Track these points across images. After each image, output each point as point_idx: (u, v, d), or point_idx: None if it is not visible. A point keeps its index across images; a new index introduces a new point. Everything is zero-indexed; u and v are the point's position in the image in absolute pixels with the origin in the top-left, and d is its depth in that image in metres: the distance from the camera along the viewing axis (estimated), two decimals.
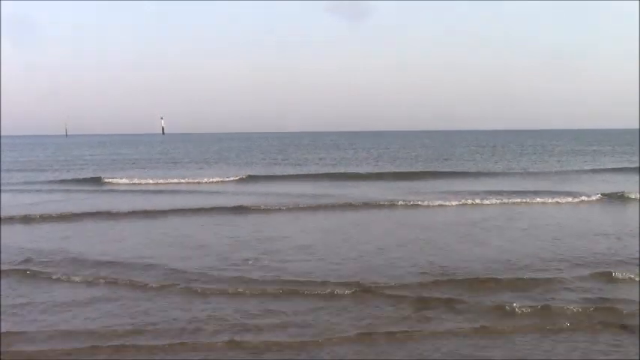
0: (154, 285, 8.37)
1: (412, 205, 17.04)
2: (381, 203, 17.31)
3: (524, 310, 7.14)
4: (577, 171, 29.68)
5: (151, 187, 23.19)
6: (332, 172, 30.20)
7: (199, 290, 8.06)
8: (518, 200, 17.51)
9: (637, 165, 30.59)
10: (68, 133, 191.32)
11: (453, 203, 17.10)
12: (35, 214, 15.06)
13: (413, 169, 30.57)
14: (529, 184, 22.63)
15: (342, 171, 30.52)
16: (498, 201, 17.36)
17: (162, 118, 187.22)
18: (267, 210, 16.32)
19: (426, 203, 17.13)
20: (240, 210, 16.27)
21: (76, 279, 8.76)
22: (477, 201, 17.38)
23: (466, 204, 17.05)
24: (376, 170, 31.13)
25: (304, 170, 32.22)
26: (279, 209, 16.35)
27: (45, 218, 14.78)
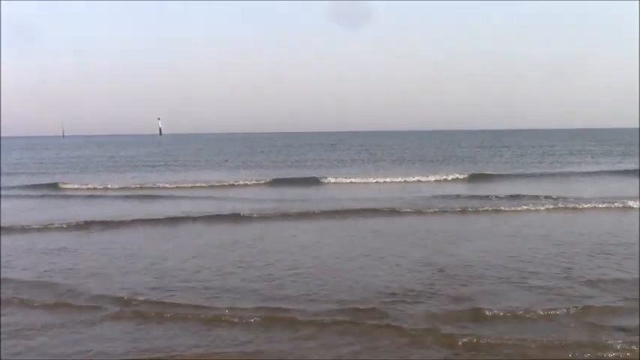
0: (96, 308, 7.06)
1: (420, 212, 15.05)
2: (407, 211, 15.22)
3: None
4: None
5: (115, 193, 21.06)
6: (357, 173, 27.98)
7: (153, 315, 6.79)
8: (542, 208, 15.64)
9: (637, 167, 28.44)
10: (65, 134, 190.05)
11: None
12: None
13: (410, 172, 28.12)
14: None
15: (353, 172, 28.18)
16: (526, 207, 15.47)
17: (159, 119, 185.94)
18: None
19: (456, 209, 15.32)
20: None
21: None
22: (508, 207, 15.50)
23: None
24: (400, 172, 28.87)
25: (315, 173, 29.44)
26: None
27: None
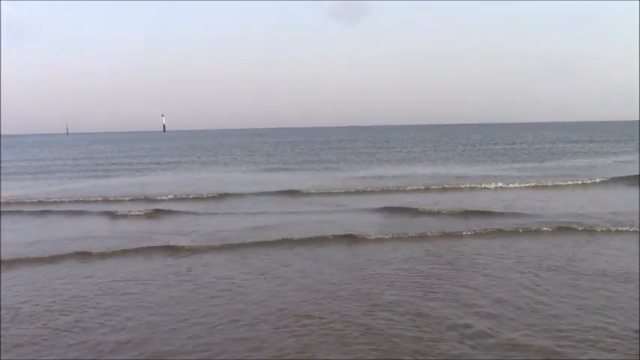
0: None
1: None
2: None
3: None
4: None
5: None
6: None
7: None
8: None
9: None
10: (69, 132, 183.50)
11: None
12: None
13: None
14: None
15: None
16: None
17: (163, 116, 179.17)
18: None
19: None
20: None
21: None
22: None
23: None
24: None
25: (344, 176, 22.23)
26: None
27: None
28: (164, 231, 10.73)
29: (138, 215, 12.77)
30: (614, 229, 9.80)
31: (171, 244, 9.31)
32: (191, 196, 15.72)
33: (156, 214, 12.92)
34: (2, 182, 21.37)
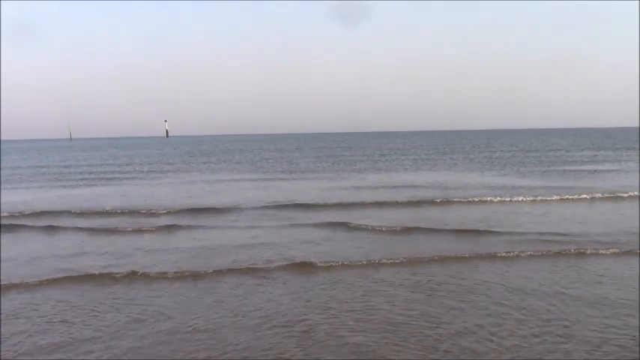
0: None
1: None
2: None
3: None
4: None
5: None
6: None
7: None
8: None
9: None
10: (72, 137, 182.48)
11: None
12: None
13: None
14: None
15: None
16: None
17: (166, 121, 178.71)
18: None
19: None
20: None
21: None
22: None
23: None
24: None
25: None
26: None
27: None
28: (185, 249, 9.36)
29: (151, 230, 11.42)
30: None
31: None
32: (205, 208, 14.35)
33: (170, 229, 11.56)
34: (3, 191, 20.01)
